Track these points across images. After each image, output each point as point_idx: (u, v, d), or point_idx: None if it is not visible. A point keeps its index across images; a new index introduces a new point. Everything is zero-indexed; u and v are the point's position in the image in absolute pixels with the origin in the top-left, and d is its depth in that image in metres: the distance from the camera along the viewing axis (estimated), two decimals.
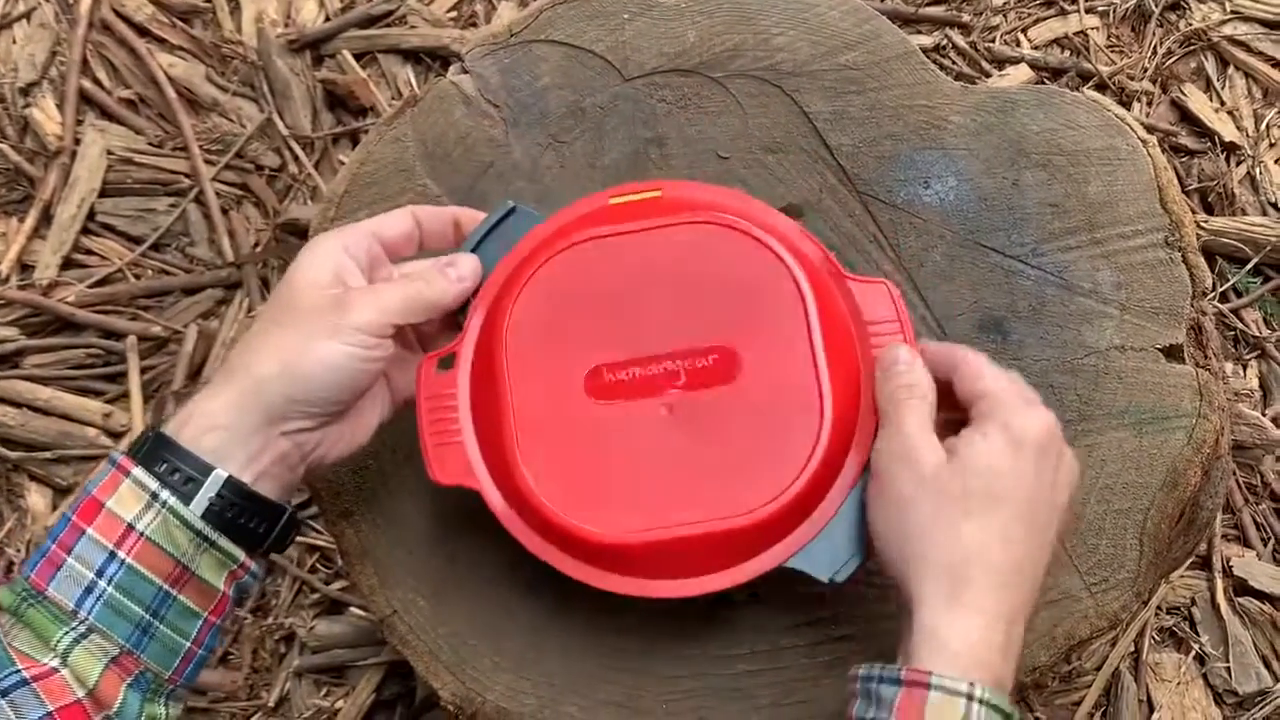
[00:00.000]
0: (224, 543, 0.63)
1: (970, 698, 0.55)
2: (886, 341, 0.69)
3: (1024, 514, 0.60)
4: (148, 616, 0.61)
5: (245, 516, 0.63)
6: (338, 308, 0.64)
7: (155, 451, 0.62)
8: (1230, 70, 1.45)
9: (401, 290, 0.67)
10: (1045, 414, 0.63)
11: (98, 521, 0.61)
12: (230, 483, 0.62)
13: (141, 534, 0.60)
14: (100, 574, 0.60)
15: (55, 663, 0.59)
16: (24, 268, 1.37)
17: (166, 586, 0.61)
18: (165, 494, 0.61)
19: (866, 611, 0.73)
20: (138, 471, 0.61)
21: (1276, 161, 1.39)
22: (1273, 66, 1.43)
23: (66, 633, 0.59)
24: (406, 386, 0.71)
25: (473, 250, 0.72)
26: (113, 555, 0.60)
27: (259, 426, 0.63)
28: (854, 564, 0.65)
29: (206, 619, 0.64)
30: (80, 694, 0.59)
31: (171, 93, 1.42)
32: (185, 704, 0.66)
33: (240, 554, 0.64)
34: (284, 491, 0.66)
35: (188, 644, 0.63)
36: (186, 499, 0.61)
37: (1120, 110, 0.83)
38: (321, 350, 0.63)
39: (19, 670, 0.58)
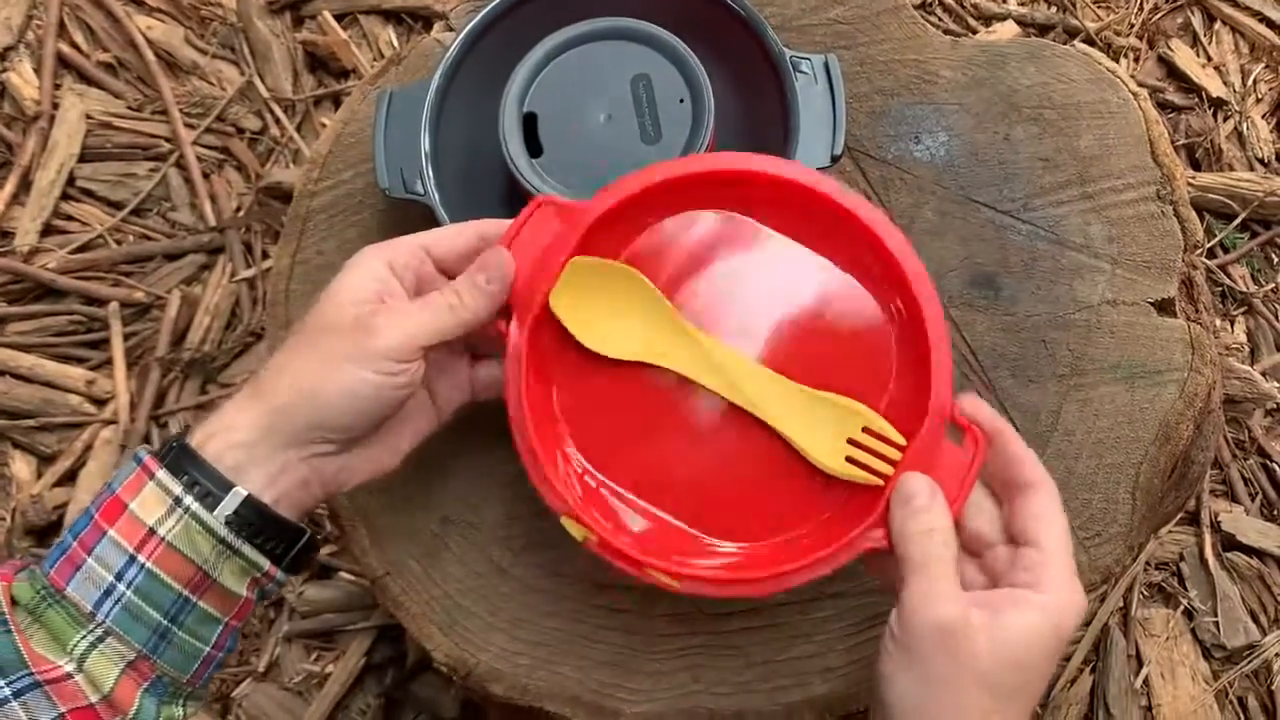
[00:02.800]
0: (248, 550, 0.61)
1: None
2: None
3: (1035, 697, 0.59)
4: (166, 622, 0.60)
5: (263, 537, 0.62)
6: (364, 330, 0.61)
7: (178, 463, 0.60)
8: (1217, 25, 1.44)
9: (431, 310, 0.63)
10: (1082, 597, 0.59)
11: (119, 523, 0.59)
12: (249, 501, 0.60)
13: (163, 539, 0.59)
14: (120, 577, 0.58)
15: (70, 667, 0.58)
16: (3, 234, 1.35)
17: (186, 593, 0.60)
18: (189, 499, 0.59)
19: (857, 568, 0.73)
20: (162, 474, 0.59)
21: (1263, 117, 1.39)
22: (1259, 21, 1.43)
23: (83, 636, 0.58)
24: (451, 398, 0.69)
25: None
26: (133, 559, 0.58)
27: (280, 449, 0.61)
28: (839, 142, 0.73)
29: (227, 623, 0.63)
30: (94, 699, 0.58)
31: (150, 56, 1.41)
32: (206, 699, 0.64)
33: (265, 562, 0.62)
34: (300, 513, 0.64)
35: (207, 648, 0.62)
36: (209, 508, 0.59)
37: (1111, 64, 0.82)
38: (344, 377, 0.61)
39: (32, 673, 0.57)
